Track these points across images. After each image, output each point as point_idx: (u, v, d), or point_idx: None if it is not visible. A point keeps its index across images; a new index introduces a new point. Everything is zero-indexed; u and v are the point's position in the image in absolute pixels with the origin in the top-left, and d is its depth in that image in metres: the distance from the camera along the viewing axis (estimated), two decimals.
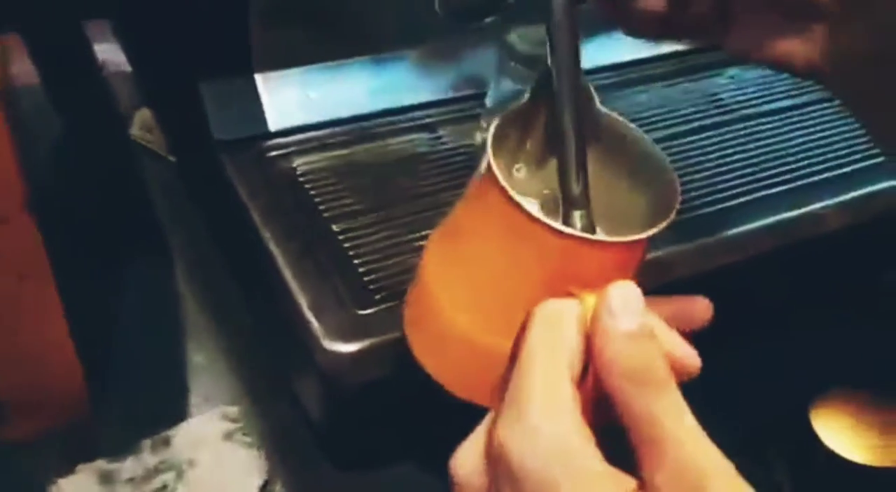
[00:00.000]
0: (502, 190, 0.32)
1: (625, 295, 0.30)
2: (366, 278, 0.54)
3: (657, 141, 0.36)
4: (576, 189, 0.35)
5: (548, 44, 0.35)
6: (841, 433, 0.60)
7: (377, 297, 0.53)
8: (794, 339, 0.71)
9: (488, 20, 0.64)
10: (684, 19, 0.36)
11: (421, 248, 0.57)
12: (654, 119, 0.71)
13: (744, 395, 0.66)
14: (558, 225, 0.32)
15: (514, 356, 0.31)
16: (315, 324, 0.51)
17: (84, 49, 0.73)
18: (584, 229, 0.35)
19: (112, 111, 0.84)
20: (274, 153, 0.63)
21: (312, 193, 0.60)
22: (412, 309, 0.39)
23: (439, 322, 0.36)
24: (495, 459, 0.29)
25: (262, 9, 0.59)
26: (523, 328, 0.31)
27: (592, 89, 0.37)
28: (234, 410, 0.64)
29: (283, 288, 0.54)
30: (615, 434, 0.30)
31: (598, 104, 0.37)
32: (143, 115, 0.88)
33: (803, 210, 0.66)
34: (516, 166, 0.39)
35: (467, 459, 0.31)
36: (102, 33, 0.79)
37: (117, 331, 0.69)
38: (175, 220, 0.79)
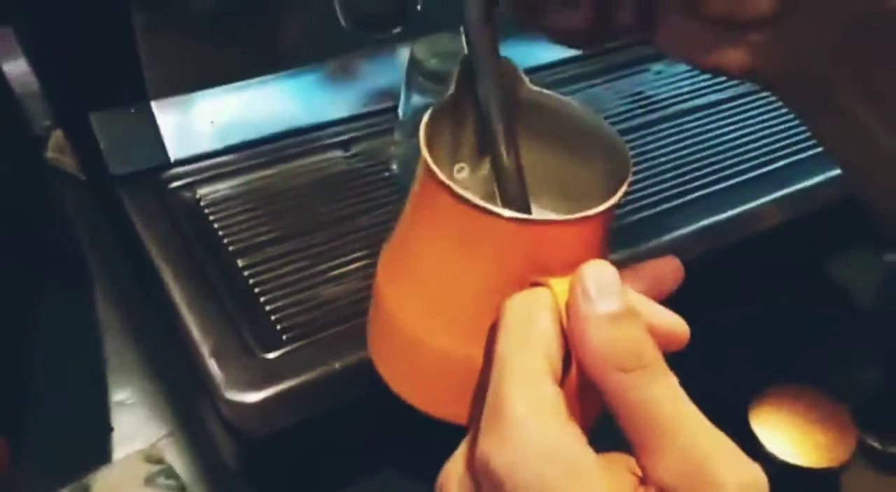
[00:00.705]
0: (442, 185, 0.29)
1: (599, 274, 0.28)
2: (273, 317, 0.51)
3: None
4: (509, 169, 0.33)
5: (464, 37, 0.33)
6: (782, 433, 0.58)
7: (285, 337, 0.50)
8: (732, 336, 0.70)
9: (395, 31, 0.62)
10: (609, 29, 0.34)
11: (337, 277, 0.56)
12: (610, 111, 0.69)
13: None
14: (510, 212, 0.29)
15: (487, 362, 0.29)
16: (217, 372, 0.48)
17: None
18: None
19: (25, 133, 0.81)
20: (176, 184, 0.60)
21: (217, 225, 0.57)
22: (373, 333, 0.36)
23: (404, 343, 0.33)
24: (482, 475, 0.27)
25: (148, 30, 0.55)
26: (493, 330, 0.29)
27: (520, 70, 0.34)
28: (157, 451, 0.61)
29: (183, 331, 0.50)
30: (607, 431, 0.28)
31: (528, 84, 0.34)
32: (59, 137, 0.84)
33: (739, 209, 0.64)
34: (457, 166, 0.36)
35: (453, 477, 0.29)
36: (12, 49, 0.75)
37: (34, 365, 0.66)
38: (94, 244, 0.75)
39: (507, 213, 0.29)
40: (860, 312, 0.75)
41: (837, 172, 0.66)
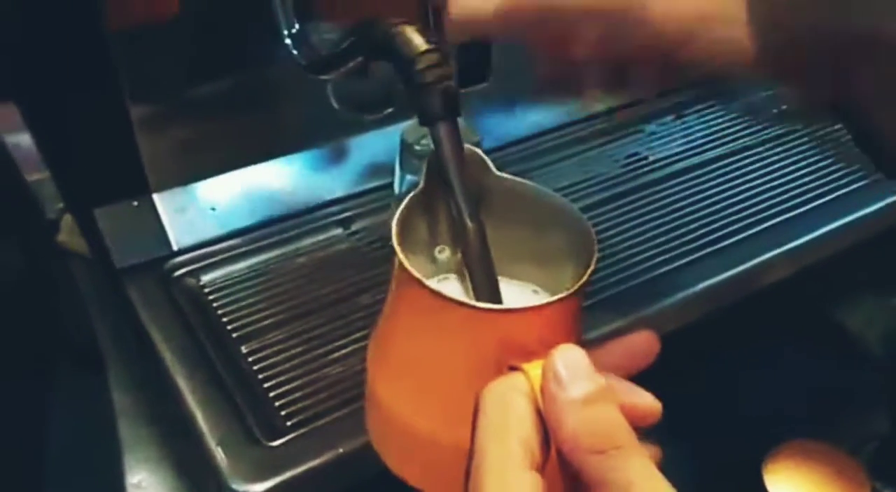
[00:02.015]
0: (414, 280, 0.30)
1: (568, 359, 0.28)
2: (277, 403, 0.52)
3: (583, 210, 0.34)
4: (476, 254, 0.34)
5: (430, 135, 0.35)
6: (797, 490, 0.58)
7: (289, 423, 0.51)
8: (742, 393, 0.69)
9: (385, 112, 0.63)
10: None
11: (340, 359, 0.56)
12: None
13: (694, 450, 0.64)
14: (478, 303, 0.30)
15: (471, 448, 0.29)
16: (222, 461, 0.48)
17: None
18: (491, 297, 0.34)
19: (37, 216, 0.82)
20: (179, 272, 0.61)
21: (220, 311, 0.58)
22: (370, 418, 0.37)
23: (396, 428, 0.34)
24: None
25: (145, 123, 0.57)
26: (475, 416, 0.29)
27: (486, 158, 0.35)
28: None
29: (189, 419, 0.51)
30: None
31: (493, 170, 0.35)
32: (71, 220, 0.86)
33: (742, 266, 0.64)
34: (438, 248, 0.37)
35: None
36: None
37: (48, 449, 0.66)
38: (106, 327, 0.76)
39: (476, 304, 0.30)
40: (869, 359, 0.75)
41: (837, 223, 0.68)
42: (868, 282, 0.78)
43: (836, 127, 0.77)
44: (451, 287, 0.37)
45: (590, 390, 0.28)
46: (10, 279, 0.71)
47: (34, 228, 0.79)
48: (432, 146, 0.35)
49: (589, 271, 0.31)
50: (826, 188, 0.71)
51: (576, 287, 0.30)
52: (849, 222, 0.69)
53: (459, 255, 0.37)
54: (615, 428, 0.28)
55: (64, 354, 0.71)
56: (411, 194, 0.34)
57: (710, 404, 0.68)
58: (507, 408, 0.29)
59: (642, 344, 0.34)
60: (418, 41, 0.35)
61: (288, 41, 0.49)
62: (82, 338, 0.74)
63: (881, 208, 0.70)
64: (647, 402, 0.32)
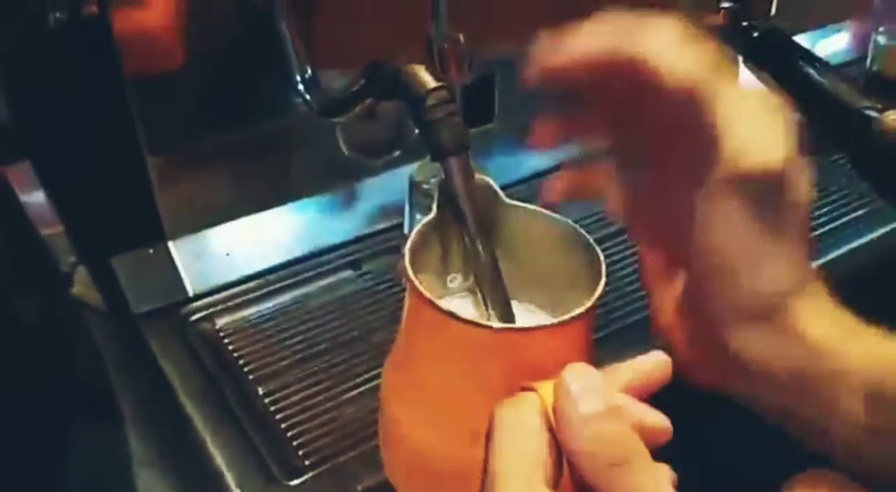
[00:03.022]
0: (428, 302, 0.31)
1: (580, 377, 0.29)
2: (294, 443, 0.53)
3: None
4: (489, 277, 0.35)
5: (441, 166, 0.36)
6: None
7: (307, 462, 0.51)
8: (757, 423, 0.69)
9: (395, 154, 0.65)
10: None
11: (356, 398, 0.57)
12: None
13: (707, 473, 0.64)
14: (491, 323, 0.31)
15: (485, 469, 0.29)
16: None
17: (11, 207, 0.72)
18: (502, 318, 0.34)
19: (52, 270, 0.83)
20: (195, 317, 0.62)
21: (237, 354, 0.59)
22: (384, 445, 0.37)
23: (410, 452, 0.34)
24: None
25: (161, 174, 0.59)
26: (488, 437, 0.30)
27: (496, 186, 0.37)
28: None
29: (208, 462, 0.52)
30: None
31: (503, 197, 0.36)
32: (84, 273, 0.87)
33: None
34: (450, 277, 0.38)
35: None
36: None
37: None
38: (122, 377, 0.76)
39: (489, 324, 0.31)
40: None
41: (836, 253, 0.68)
42: (869, 315, 0.78)
43: (826, 162, 0.78)
44: (464, 312, 0.38)
45: (601, 407, 0.28)
46: (28, 332, 0.72)
47: (49, 282, 0.80)
48: (443, 177, 0.36)
49: (598, 291, 0.32)
50: (818, 222, 0.72)
51: (587, 307, 0.31)
52: (845, 254, 0.69)
53: (471, 282, 0.38)
54: (627, 443, 0.28)
55: (81, 404, 0.72)
56: (423, 222, 0.35)
57: (723, 429, 0.68)
58: (521, 426, 0.29)
59: (655, 366, 0.34)
60: (427, 79, 0.36)
61: (300, 87, 0.51)
62: (99, 388, 0.75)
63: (872, 241, 0.70)
64: (658, 421, 0.32)
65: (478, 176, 0.37)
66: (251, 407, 0.55)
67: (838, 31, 0.93)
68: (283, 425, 0.54)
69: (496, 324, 0.32)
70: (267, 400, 0.55)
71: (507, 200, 0.37)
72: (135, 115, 0.56)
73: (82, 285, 0.85)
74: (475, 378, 0.32)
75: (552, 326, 0.31)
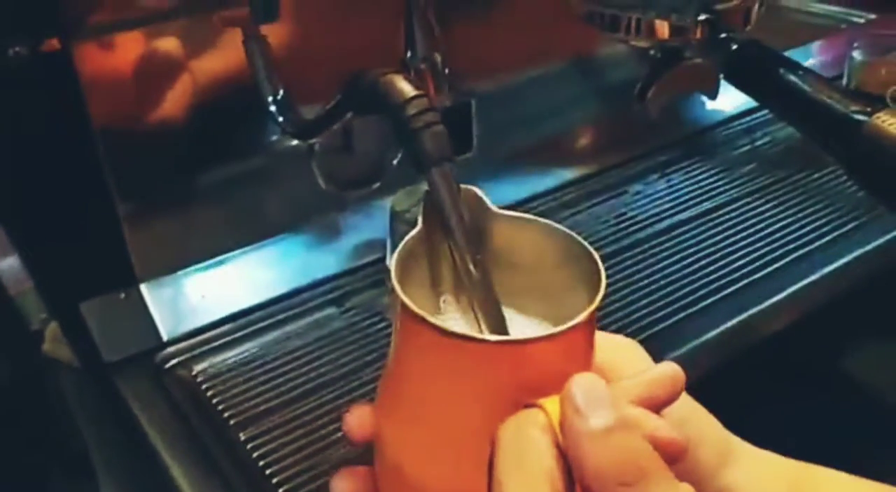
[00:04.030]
0: (419, 319, 0.29)
1: (587, 388, 0.27)
2: (281, 490, 0.49)
3: None
4: (481, 292, 0.33)
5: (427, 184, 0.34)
6: None
7: None
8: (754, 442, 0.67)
9: (373, 187, 0.63)
10: None
11: (343, 439, 0.54)
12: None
13: None
14: (486, 335, 0.29)
15: None
16: None
17: None
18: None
19: (23, 329, 0.80)
20: (171, 363, 0.59)
21: (216, 400, 0.56)
22: (381, 479, 0.34)
23: (409, 482, 0.31)
24: None
25: (131, 216, 0.56)
26: (492, 457, 0.28)
27: (483, 195, 0.35)
28: None
29: None
30: None
31: (491, 206, 0.35)
32: (55, 328, 0.84)
33: (738, 318, 0.63)
34: (442, 298, 0.36)
35: None
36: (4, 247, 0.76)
37: None
38: (95, 433, 0.73)
39: (485, 337, 0.29)
40: (881, 405, 0.73)
41: (829, 268, 0.67)
42: (872, 326, 0.77)
43: (818, 174, 0.78)
44: (456, 327, 0.35)
45: (611, 419, 0.26)
46: (1, 391, 0.69)
47: (19, 341, 0.77)
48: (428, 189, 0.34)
49: (599, 297, 0.30)
50: (815, 234, 0.71)
51: (588, 312, 0.29)
52: (842, 266, 0.69)
53: (463, 297, 0.36)
54: (642, 457, 0.26)
55: (56, 462, 0.69)
56: (410, 236, 0.33)
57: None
58: (527, 445, 0.27)
59: (666, 378, 0.32)
60: (406, 88, 0.35)
61: (273, 108, 0.49)
62: (73, 445, 0.72)
63: (869, 251, 0.70)
64: (673, 434, 0.30)
65: (464, 186, 0.35)
66: (233, 454, 0.52)
67: (811, 49, 0.94)
68: (267, 472, 0.51)
69: (492, 337, 0.29)
70: (249, 446, 0.52)
71: (497, 209, 0.35)
72: (103, 159, 0.54)
73: (53, 341, 0.82)
74: (472, 398, 0.29)
75: (552, 335, 0.29)
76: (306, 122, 0.48)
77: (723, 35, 0.57)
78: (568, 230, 0.34)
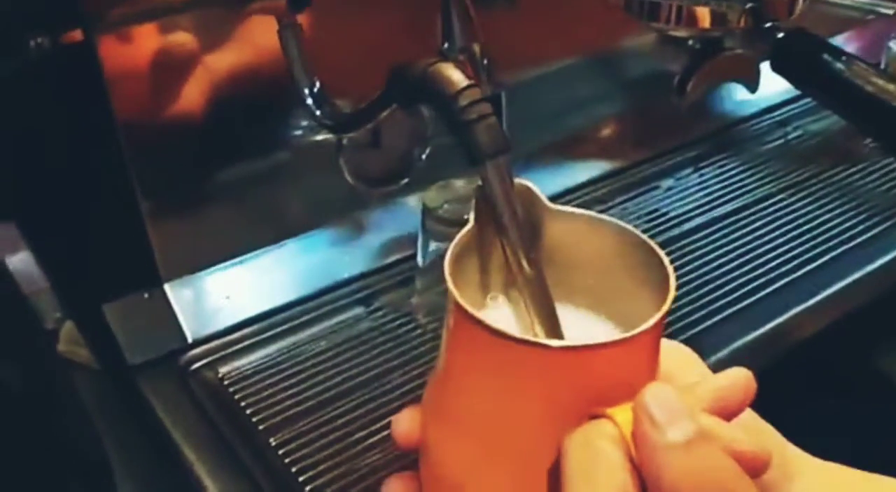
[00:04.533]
0: (475, 321, 0.27)
1: (662, 398, 0.25)
2: None
3: None
4: (536, 291, 0.32)
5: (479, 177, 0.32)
6: None
7: None
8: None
9: (402, 183, 0.61)
10: None
11: (378, 444, 0.52)
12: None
13: None
14: (551, 341, 0.28)
15: None
16: None
17: None
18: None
19: (36, 328, 0.79)
20: (196, 365, 0.57)
21: (244, 403, 0.54)
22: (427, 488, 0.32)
23: None
24: None
25: (155, 214, 0.54)
26: (555, 474, 0.26)
27: (538, 191, 0.33)
28: None
29: None
30: None
31: (547, 202, 0.33)
32: (71, 328, 0.82)
33: (777, 321, 0.61)
34: (490, 295, 0.34)
35: None
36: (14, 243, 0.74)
37: None
38: (113, 435, 0.71)
39: (549, 342, 0.27)
40: None
41: (871, 267, 0.65)
42: None
43: (856, 168, 0.76)
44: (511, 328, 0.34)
45: (690, 431, 0.25)
46: (13, 396, 0.68)
47: (33, 342, 0.76)
48: (480, 184, 0.32)
49: (670, 298, 0.28)
50: (854, 231, 0.69)
51: (659, 315, 0.28)
52: (883, 265, 0.66)
53: (513, 300, 0.34)
54: (725, 474, 0.25)
55: (73, 468, 0.67)
56: (462, 233, 0.32)
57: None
58: (597, 457, 0.25)
59: (739, 383, 0.30)
60: (457, 77, 0.33)
61: (309, 101, 0.47)
62: (90, 450, 0.70)
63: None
64: (755, 446, 0.28)
65: (518, 180, 0.33)
66: (263, 460, 0.50)
67: (839, 41, 0.92)
68: (300, 479, 0.49)
69: (558, 342, 0.28)
70: (280, 452, 0.51)
71: (551, 205, 0.33)
72: (125, 152, 0.53)
73: (69, 342, 0.81)
74: (533, 405, 0.28)
75: (623, 341, 0.27)
76: (345, 115, 0.46)
77: (768, 24, 0.55)
78: (631, 227, 0.32)
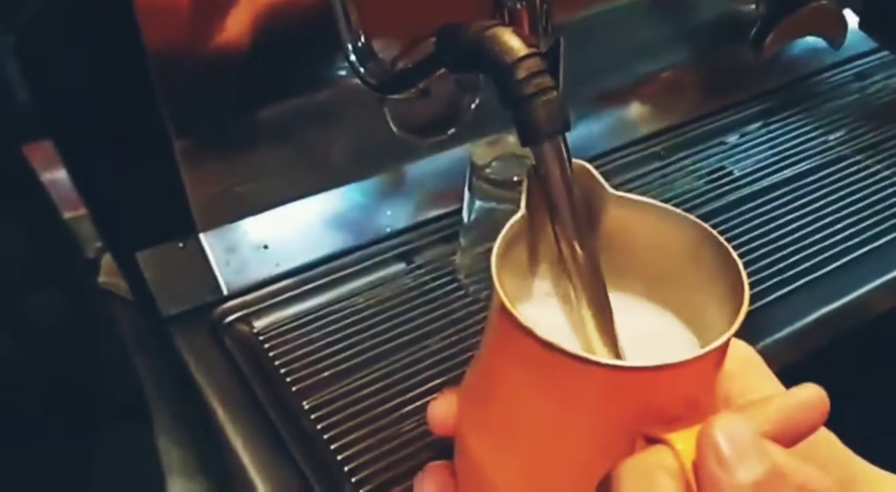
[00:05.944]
0: (524, 330, 0.24)
1: (732, 432, 0.23)
2: (346, 468, 0.46)
3: None
4: (590, 285, 0.29)
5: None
6: None
7: (357, 486, 0.45)
8: (851, 430, 0.62)
9: (449, 133, 0.58)
10: None
11: (413, 413, 0.50)
12: None
13: None
14: (610, 359, 0.25)
15: None
16: None
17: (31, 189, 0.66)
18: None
19: (76, 257, 0.78)
20: (230, 318, 0.55)
21: (277, 362, 0.52)
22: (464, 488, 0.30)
23: None
24: None
25: (190, 158, 0.52)
26: None
27: (598, 174, 0.30)
28: None
29: (245, 482, 0.46)
30: None
31: (607, 187, 0.30)
32: (111, 260, 0.82)
33: (849, 296, 0.58)
34: (539, 287, 0.31)
35: None
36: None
37: None
38: (152, 375, 0.71)
39: (606, 360, 0.24)
40: None
41: None
42: None
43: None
44: (555, 323, 0.31)
45: (760, 471, 0.22)
46: (50, 327, 0.67)
47: (73, 271, 0.75)
48: (532, 164, 0.29)
49: (743, 311, 0.25)
50: None
51: (729, 333, 0.25)
52: None
53: (563, 286, 0.31)
54: None
55: (108, 403, 0.67)
56: (511, 223, 0.28)
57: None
58: (654, 491, 0.23)
59: (813, 404, 0.27)
60: (517, 45, 0.29)
61: (353, 57, 0.43)
62: (127, 386, 0.70)
63: None
64: (825, 481, 0.25)
65: (576, 161, 0.30)
66: (294, 423, 0.49)
67: None
68: (331, 446, 0.47)
69: (615, 361, 0.25)
70: (312, 416, 0.49)
71: (612, 190, 0.30)
72: (159, 93, 0.50)
73: (108, 273, 0.80)
74: (581, 421, 0.25)
75: (687, 362, 0.24)
76: (391, 75, 0.42)
77: None
78: (699, 221, 0.29)
